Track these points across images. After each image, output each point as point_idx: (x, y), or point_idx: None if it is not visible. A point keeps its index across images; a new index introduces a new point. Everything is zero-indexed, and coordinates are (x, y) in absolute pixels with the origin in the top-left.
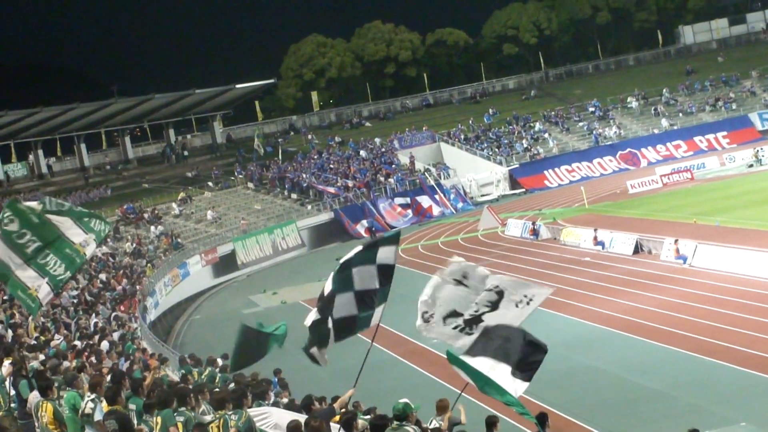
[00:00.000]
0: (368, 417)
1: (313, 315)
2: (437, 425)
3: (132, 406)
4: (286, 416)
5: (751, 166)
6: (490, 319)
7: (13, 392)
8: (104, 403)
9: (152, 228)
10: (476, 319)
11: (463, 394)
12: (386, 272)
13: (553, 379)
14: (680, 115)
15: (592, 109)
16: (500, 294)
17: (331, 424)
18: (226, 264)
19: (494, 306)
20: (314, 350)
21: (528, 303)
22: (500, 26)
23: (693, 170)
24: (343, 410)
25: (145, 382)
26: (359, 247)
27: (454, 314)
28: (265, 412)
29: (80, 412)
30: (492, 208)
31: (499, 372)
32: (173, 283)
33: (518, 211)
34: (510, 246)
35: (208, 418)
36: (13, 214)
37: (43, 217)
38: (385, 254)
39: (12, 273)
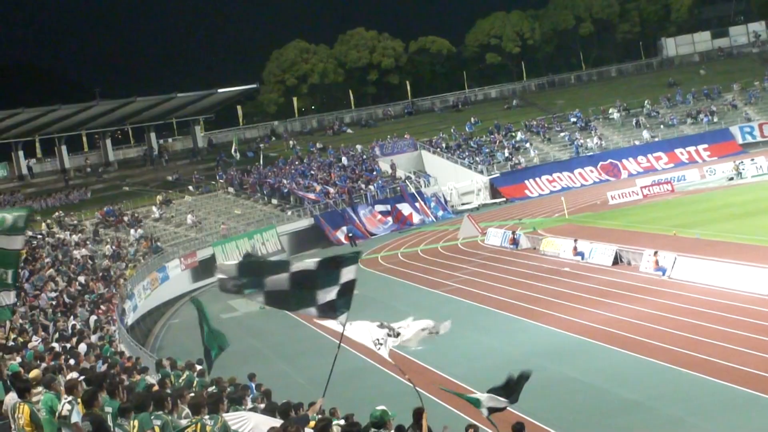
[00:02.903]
0: (343, 423)
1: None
2: None
3: (108, 409)
4: (264, 421)
5: (732, 179)
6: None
7: None
8: (81, 405)
9: (132, 231)
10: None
11: (438, 401)
12: (348, 286)
13: (531, 389)
14: (661, 127)
15: (573, 119)
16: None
17: (306, 430)
18: (205, 268)
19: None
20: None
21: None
22: (483, 35)
23: (673, 182)
24: (319, 416)
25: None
26: (314, 266)
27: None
28: (243, 416)
29: (57, 414)
30: (472, 216)
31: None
32: (152, 286)
33: (498, 220)
34: (489, 255)
35: (184, 422)
36: None
37: None
38: (347, 274)
39: None
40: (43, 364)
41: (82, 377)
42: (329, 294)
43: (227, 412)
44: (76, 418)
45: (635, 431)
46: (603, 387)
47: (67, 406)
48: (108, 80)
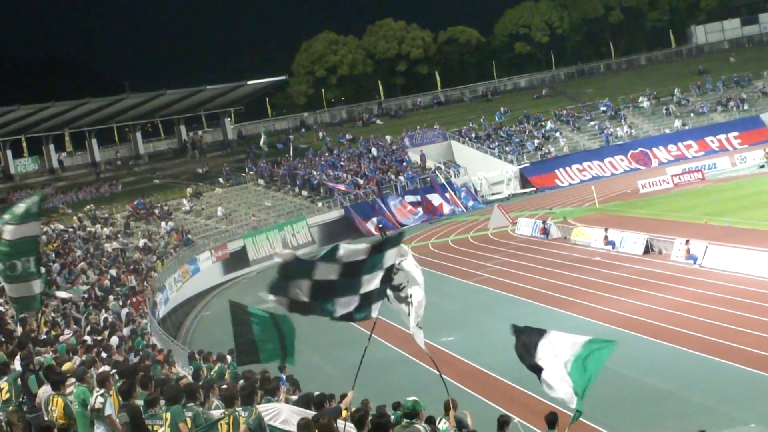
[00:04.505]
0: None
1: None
2: (446, 425)
3: (139, 402)
4: (295, 413)
5: (763, 166)
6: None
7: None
8: (113, 398)
9: (163, 224)
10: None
11: (474, 394)
12: (388, 271)
13: None
14: (692, 115)
15: (603, 108)
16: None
17: (339, 421)
18: (236, 260)
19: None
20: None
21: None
22: (512, 25)
23: (704, 170)
24: (354, 409)
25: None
26: (362, 253)
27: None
28: (274, 408)
29: (89, 406)
30: (502, 206)
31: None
32: (183, 279)
33: (529, 210)
34: (520, 245)
35: (216, 413)
36: None
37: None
38: (389, 257)
39: None
40: (77, 358)
41: (114, 370)
42: (373, 282)
43: (260, 403)
44: (108, 410)
45: (667, 420)
46: (634, 376)
47: (100, 399)
48: (137, 73)
